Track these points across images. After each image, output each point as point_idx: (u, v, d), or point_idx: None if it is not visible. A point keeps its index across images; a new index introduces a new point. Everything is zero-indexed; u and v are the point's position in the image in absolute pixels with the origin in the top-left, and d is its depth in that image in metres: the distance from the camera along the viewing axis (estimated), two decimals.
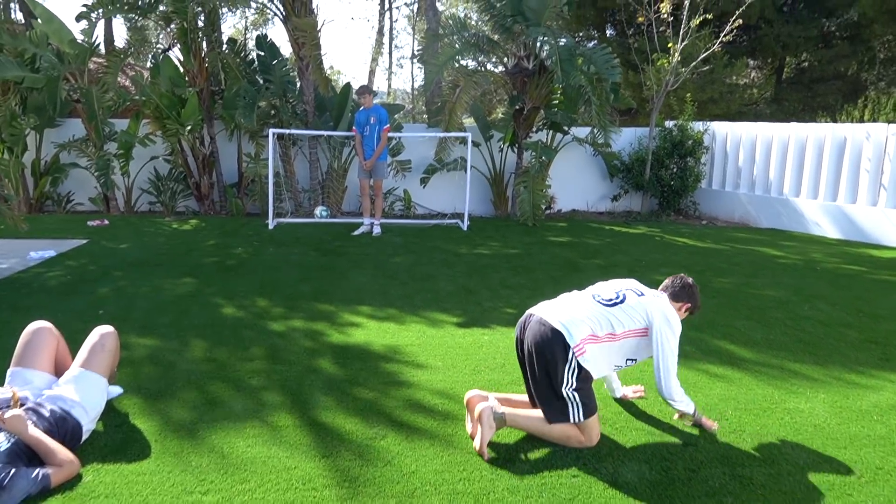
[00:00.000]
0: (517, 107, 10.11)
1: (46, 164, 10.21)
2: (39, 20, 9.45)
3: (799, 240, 8.80)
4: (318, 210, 9.77)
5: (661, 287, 3.26)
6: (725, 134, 10.60)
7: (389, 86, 19.26)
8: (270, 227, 8.99)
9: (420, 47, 10.91)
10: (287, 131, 9.50)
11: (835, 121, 14.13)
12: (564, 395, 2.88)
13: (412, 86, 16.26)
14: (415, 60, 16.83)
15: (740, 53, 14.67)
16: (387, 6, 16.66)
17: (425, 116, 14.43)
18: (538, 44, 9.78)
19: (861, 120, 14.25)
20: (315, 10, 9.40)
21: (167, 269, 6.36)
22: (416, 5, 16.93)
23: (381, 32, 16.90)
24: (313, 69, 9.20)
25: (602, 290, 3.18)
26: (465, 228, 9.25)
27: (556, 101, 10.16)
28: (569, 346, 2.86)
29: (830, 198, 9.11)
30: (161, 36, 9.16)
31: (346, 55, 47.16)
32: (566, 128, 10.24)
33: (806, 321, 5.05)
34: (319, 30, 9.19)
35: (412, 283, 6.10)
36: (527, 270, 6.63)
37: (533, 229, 9.36)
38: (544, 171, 9.90)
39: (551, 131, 10.57)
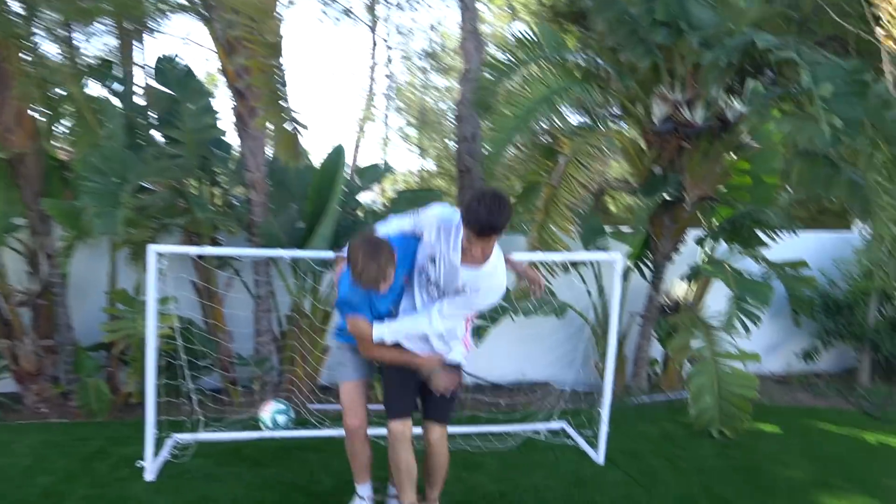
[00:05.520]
0: (666, 196, 5.22)
1: None
2: None
3: None
4: (269, 413, 4.41)
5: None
6: None
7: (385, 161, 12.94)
8: (148, 475, 3.73)
9: (461, 98, 6.11)
10: (182, 250, 4.04)
11: None
12: None
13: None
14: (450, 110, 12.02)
15: None
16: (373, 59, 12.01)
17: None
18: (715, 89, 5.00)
19: None
20: None
21: None
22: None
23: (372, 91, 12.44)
24: (267, 107, 3.95)
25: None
26: (602, 460, 4.14)
27: (737, 186, 5.35)
28: None
29: None
30: None
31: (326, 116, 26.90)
32: (775, 234, 5.23)
33: None
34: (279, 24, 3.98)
35: None
36: None
37: (725, 445, 4.40)
38: (731, 319, 4.86)
39: (736, 244, 5.56)
